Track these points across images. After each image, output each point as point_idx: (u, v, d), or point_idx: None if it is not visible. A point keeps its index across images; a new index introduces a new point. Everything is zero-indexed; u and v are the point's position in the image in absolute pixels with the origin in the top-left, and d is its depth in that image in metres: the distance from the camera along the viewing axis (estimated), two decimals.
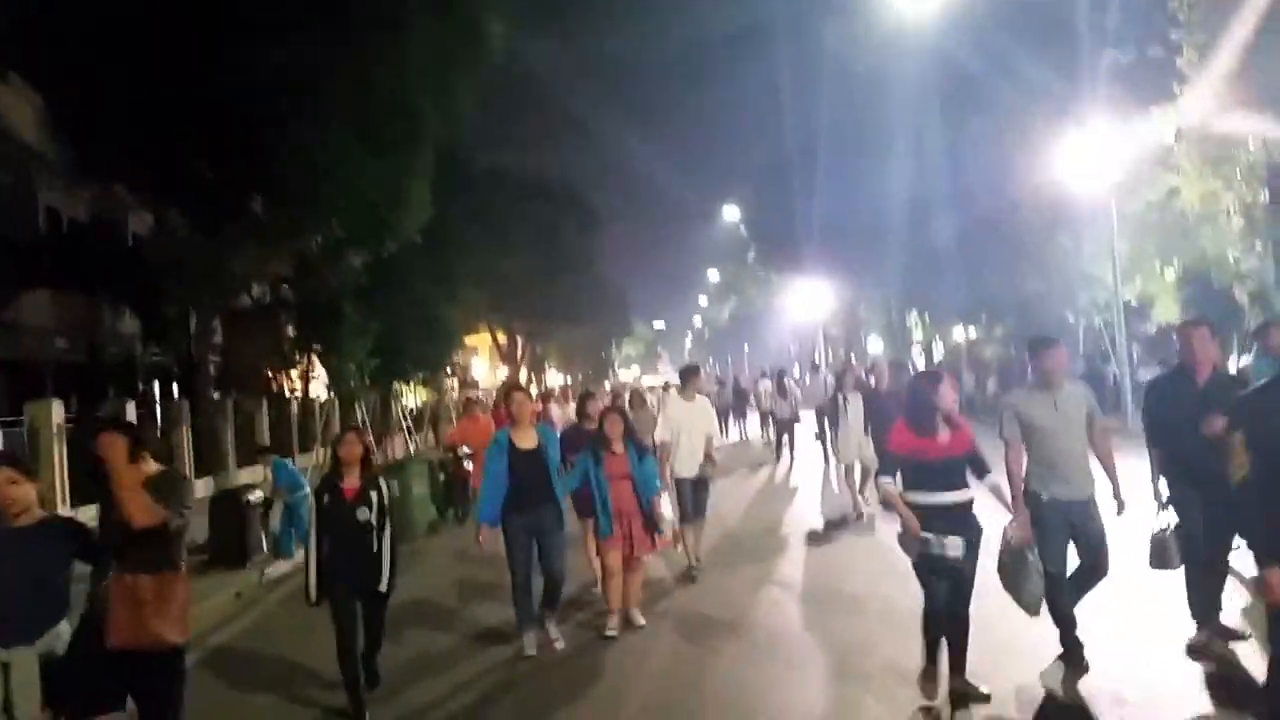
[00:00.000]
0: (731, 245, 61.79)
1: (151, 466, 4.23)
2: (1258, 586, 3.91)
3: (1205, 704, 5.10)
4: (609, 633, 7.00)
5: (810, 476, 16.98)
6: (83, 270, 20.52)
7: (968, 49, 24.60)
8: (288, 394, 24.08)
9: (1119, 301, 22.76)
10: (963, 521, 5.18)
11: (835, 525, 11.54)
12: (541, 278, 36.08)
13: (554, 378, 55.92)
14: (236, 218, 15.96)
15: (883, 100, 28.47)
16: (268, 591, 10.15)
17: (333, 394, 20.92)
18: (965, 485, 5.24)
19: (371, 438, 19.96)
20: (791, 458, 19.42)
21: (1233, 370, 9.75)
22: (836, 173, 31.51)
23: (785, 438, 19.93)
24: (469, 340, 40.05)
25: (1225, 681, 5.32)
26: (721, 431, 14.77)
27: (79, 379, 20.71)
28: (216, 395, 21.85)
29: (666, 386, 24.85)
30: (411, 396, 31.15)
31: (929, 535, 5.10)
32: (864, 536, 10.67)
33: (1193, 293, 24.43)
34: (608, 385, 45.74)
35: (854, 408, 11.71)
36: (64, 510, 12.89)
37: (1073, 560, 5.68)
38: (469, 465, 13.34)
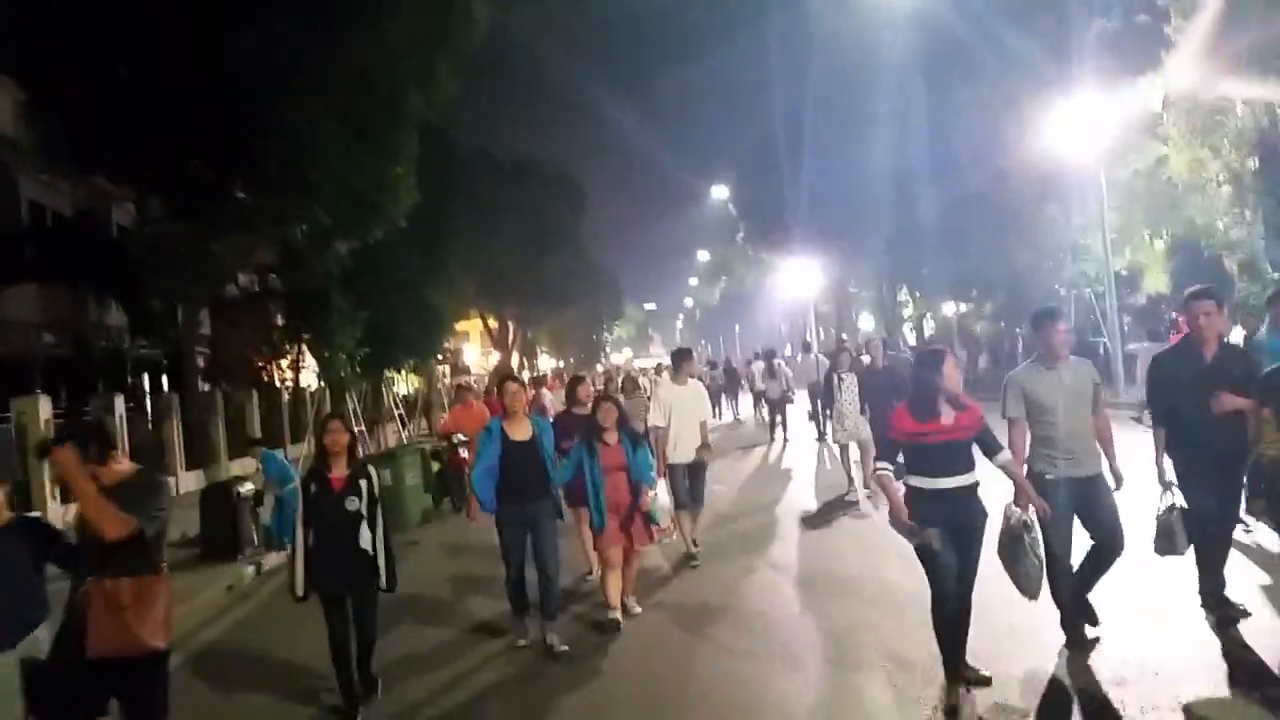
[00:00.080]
0: (721, 225, 61.64)
1: (123, 466, 4.11)
2: None
3: (1209, 685, 5.04)
4: (612, 618, 6.86)
5: (804, 456, 16.97)
6: (67, 263, 20.33)
7: (954, 18, 24.47)
8: (278, 384, 23.94)
9: (1110, 272, 22.74)
10: (967, 506, 5.05)
11: (830, 507, 11.50)
12: (532, 261, 35.95)
13: (545, 362, 55.81)
14: (220, 206, 15.79)
15: (870, 73, 28.35)
16: (260, 585, 10.08)
17: (323, 383, 20.79)
18: (970, 469, 5.06)
19: (364, 426, 19.89)
20: (785, 438, 19.41)
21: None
22: (824, 148, 31.38)
23: (778, 418, 19.94)
24: (459, 326, 39.90)
25: (1231, 661, 5.26)
26: (714, 413, 14.72)
27: (67, 373, 20.57)
28: (206, 387, 21.73)
29: (659, 369, 24.83)
30: (403, 384, 31.06)
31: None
32: (859, 519, 10.63)
33: (1181, 262, 24.47)
34: (599, 369, 45.73)
35: (848, 388, 11.66)
36: (55, 508, 12.81)
37: (1081, 540, 5.58)
38: (464, 453, 13.27)
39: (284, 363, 22.59)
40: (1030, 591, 5.25)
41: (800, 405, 21.15)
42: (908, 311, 42.41)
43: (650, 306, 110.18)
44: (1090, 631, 5.67)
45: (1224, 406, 5.35)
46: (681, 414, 8.96)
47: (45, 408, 14.30)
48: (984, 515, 5.12)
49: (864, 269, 39.63)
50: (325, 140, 14.83)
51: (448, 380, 35.07)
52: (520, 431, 6.76)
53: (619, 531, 6.87)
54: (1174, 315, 15.46)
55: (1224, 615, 5.67)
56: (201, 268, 17.13)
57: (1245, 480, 5.75)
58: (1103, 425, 5.62)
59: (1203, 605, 5.88)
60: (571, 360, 57.05)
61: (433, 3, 16.50)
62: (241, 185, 15.89)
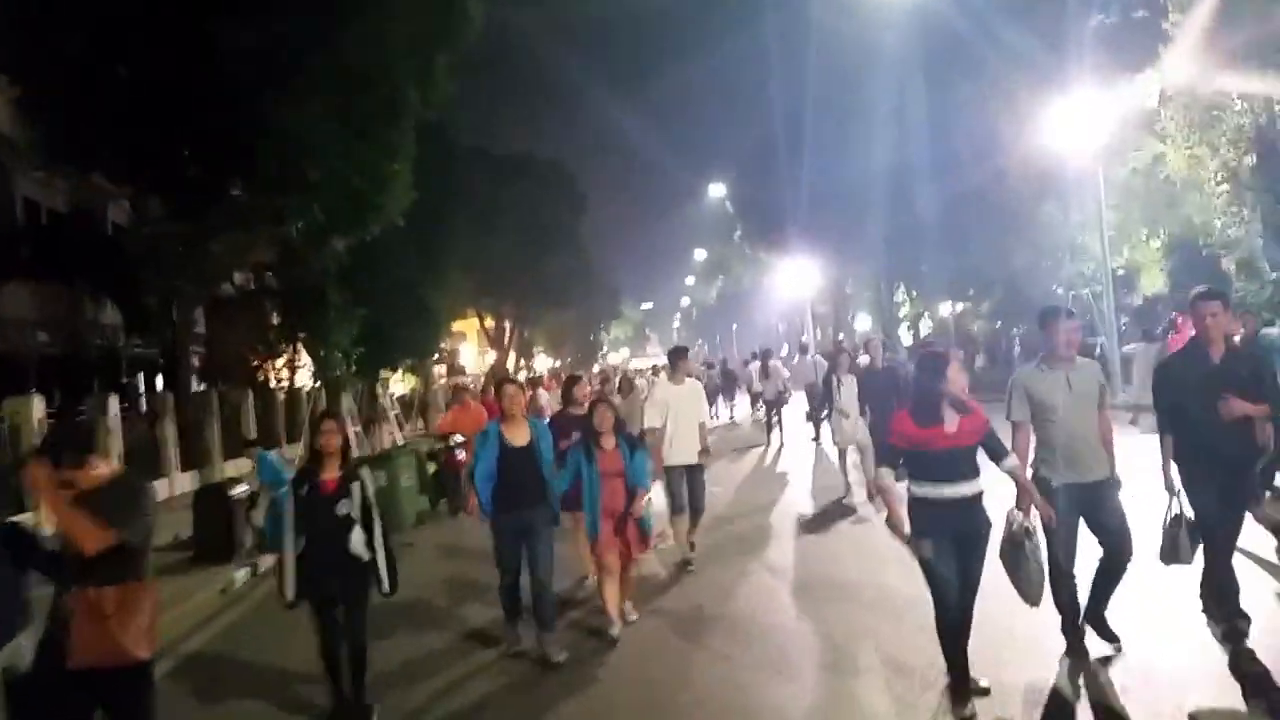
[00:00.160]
0: (718, 224, 61.60)
1: (103, 470, 4.00)
2: None
3: (1213, 694, 4.98)
4: (613, 635, 6.70)
5: (800, 458, 16.91)
6: (63, 261, 20.22)
7: (952, 15, 24.40)
8: (274, 383, 23.86)
9: (1108, 271, 22.67)
10: (971, 515, 4.93)
11: (828, 510, 11.42)
12: (529, 260, 35.85)
13: (542, 362, 55.72)
14: (218, 204, 15.72)
15: (868, 71, 28.26)
16: (254, 588, 9.99)
17: (319, 382, 20.72)
18: (974, 476, 4.93)
19: (360, 426, 19.80)
20: (781, 439, 19.35)
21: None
22: (822, 146, 31.26)
23: (774, 417, 19.90)
24: (456, 326, 39.83)
25: (1236, 671, 5.18)
26: (711, 414, 14.66)
27: (62, 372, 20.47)
28: (202, 386, 21.63)
29: (656, 370, 24.72)
30: (400, 384, 30.98)
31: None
32: (857, 523, 10.55)
33: (1179, 262, 24.43)
34: (596, 369, 45.67)
35: (847, 390, 11.57)
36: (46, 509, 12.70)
37: (1085, 547, 5.49)
38: (461, 454, 13.20)
39: (280, 362, 22.54)
40: (1031, 598, 5.16)
41: (796, 406, 21.11)
42: (904, 311, 42.33)
43: (647, 306, 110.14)
44: (1107, 649, 5.55)
45: (1233, 412, 5.20)
46: (679, 414, 8.85)
47: (39, 407, 14.20)
48: (988, 525, 5.00)
49: (861, 268, 39.53)
50: (323, 138, 14.74)
51: (444, 380, 34.96)
52: (519, 436, 6.64)
53: (615, 537, 6.75)
54: (1173, 315, 15.37)
55: (1231, 626, 5.51)
56: (198, 266, 17.06)
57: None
58: (1105, 428, 5.50)
59: (1204, 610, 5.82)
60: (569, 360, 56.98)
61: (431, 2, 16.44)
62: (239, 183, 15.83)
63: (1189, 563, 5.56)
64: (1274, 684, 4.97)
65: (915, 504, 4.96)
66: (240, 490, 11.13)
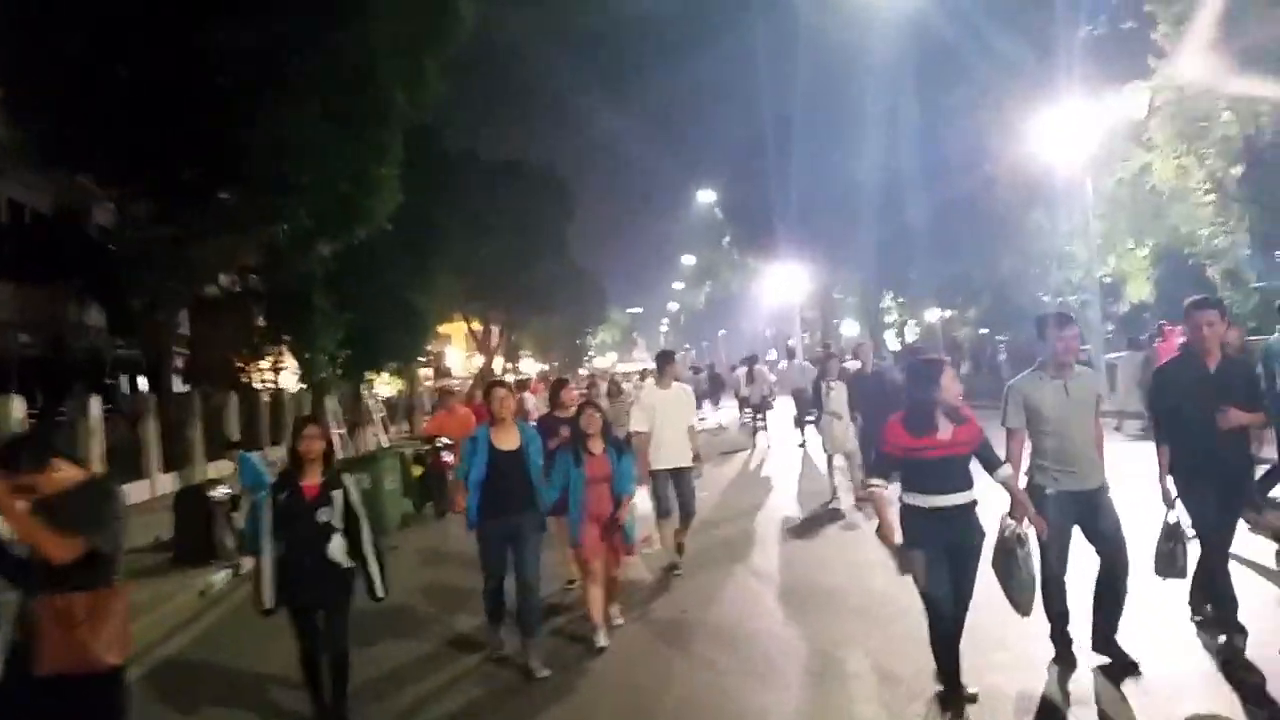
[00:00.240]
0: (707, 229, 61.60)
1: (68, 473, 3.87)
2: None
3: (1205, 702, 4.94)
4: (600, 644, 6.55)
5: (787, 463, 16.87)
6: (46, 262, 20.05)
7: (942, 23, 24.47)
8: (258, 386, 23.69)
9: (1096, 279, 22.75)
10: (964, 525, 4.85)
11: (815, 515, 11.36)
12: (516, 264, 35.75)
13: (529, 366, 55.61)
14: (205, 206, 15.59)
15: (857, 77, 28.33)
16: (233, 590, 9.87)
17: (304, 385, 20.59)
18: (968, 486, 4.84)
19: (346, 430, 19.68)
20: (767, 443, 19.33)
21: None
22: (811, 152, 31.34)
23: (758, 420, 19.91)
24: (443, 329, 39.68)
25: (1227, 678, 5.14)
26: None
27: (44, 373, 20.27)
28: (187, 387, 21.46)
29: (644, 375, 24.64)
30: (386, 387, 30.83)
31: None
32: (845, 529, 10.49)
33: (1165, 271, 24.55)
34: (582, 373, 45.59)
35: (837, 396, 11.52)
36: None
37: (1080, 558, 5.43)
38: (448, 457, 13.12)
39: (264, 364, 22.37)
40: (1023, 607, 5.10)
41: (782, 410, 21.08)
42: (891, 317, 42.42)
43: (635, 310, 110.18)
44: (1098, 658, 5.45)
45: (1231, 422, 5.16)
46: (666, 418, 8.77)
47: (19, 408, 14.04)
48: (981, 535, 4.93)
49: (849, 274, 39.62)
50: (311, 140, 14.64)
51: (431, 383, 34.84)
52: (508, 440, 6.53)
53: (600, 542, 6.65)
54: (1160, 323, 15.42)
55: (1228, 639, 5.41)
56: (184, 269, 16.91)
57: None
58: (1097, 436, 5.45)
59: (1192, 611, 5.84)
60: (555, 364, 56.88)
61: (420, 3, 16.37)
62: (226, 185, 15.70)
63: (1184, 577, 5.54)
64: (1265, 693, 4.93)
65: (907, 513, 4.89)
66: (221, 492, 11.01)
